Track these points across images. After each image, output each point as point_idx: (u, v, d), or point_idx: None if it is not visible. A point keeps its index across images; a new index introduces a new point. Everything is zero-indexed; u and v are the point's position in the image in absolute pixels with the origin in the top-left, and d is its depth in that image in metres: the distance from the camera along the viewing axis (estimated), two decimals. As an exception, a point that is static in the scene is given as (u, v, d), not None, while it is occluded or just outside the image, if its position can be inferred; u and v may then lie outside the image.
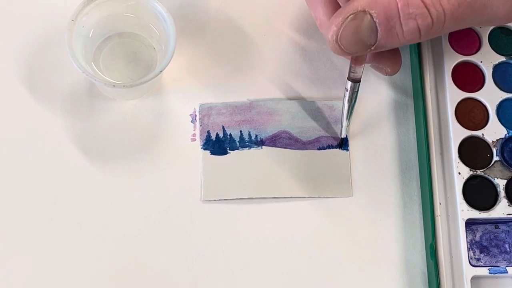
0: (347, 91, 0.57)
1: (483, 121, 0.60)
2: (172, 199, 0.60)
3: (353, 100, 0.58)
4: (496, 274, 0.57)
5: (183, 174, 0.60)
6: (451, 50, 0.61)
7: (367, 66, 0.61)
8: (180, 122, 0.62)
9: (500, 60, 0.61)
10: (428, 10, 0.50)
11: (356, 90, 0.57)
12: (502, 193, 0.58)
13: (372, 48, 0.52)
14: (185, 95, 0.62)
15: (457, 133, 0.59)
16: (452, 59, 0.61)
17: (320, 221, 0.60)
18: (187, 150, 0.61)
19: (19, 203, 0.59)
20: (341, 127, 0.60)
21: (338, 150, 0.62)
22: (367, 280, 0.59)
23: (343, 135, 0.61)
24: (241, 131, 0.62)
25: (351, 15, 0.51)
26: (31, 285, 0.57)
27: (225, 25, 0.65)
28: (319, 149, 0.62)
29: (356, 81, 0.57)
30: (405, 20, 0.50)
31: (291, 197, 0.60)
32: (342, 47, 0.52)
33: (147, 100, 0.62)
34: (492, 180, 0.58)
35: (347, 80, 0.57)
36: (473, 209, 0.57)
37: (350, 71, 0.56)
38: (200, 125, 0.62)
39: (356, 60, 0.56)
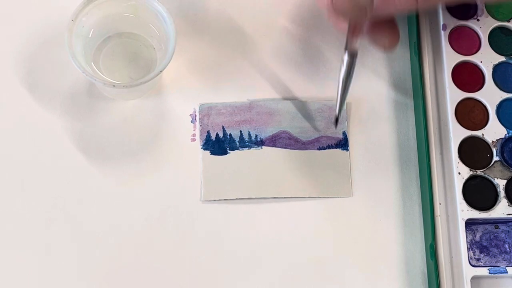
0: (343, 65, 0.56)
1: (483, 121, 0.60)
2: (172, 199, 0.60)
3: (350, 75, 0.57)
4: (496, 274, 0.57)
5: (183, 174, 0.60)
6: (451, 50, 0.61)
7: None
8: (180, 122, 0.62)
9: (500, 60, 0.61)
10: None
11: (353, 65, 0.56)
12: (502, 193, 0.58)
13: (368, 13, 0.51)
14: (185, 95, 0.62)
15: (457, 133, 0.59)
16: (452, 59, 0.61)
17: (320, 221, 0.60)
18: (187, 150, 0.61)
19: (19, 203, 0.59)
20: (336, 105, 0.59)
21: (338, 150, 0.62)
22: (367, 280, 0.59)
23: (337, 114, 0.59)
24: (241, 131, 0.62)
25: None
26: (31, 285, 0.57)
27: (225, 25, 0.65)
28: (319, 149, 0.62)
29: (353, 54, 0.56)
30: None
31: (291, 197, 0.60)
32: (338, 11, 0.51)
33: (147, 100, 0.62)
34: (492, 180, 0.58)
35: (344, 52, 0.56)
36: (473, 209, 0.57)
37: (347, 44, 0.56)
38: (200, 125, 0.62)
39: (354, 31, 0.55)
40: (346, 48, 0.56)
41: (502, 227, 0.58)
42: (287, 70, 0.64)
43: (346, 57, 0.56)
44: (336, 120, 0.60)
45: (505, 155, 0.59)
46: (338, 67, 0.64)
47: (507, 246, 0.58)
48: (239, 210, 0.60)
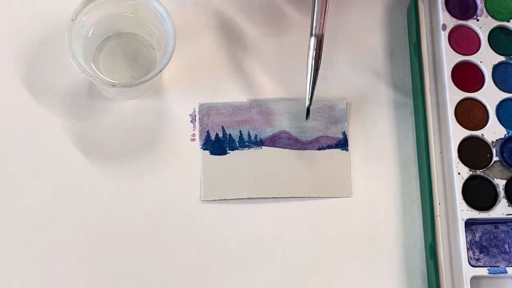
0: (310, 51, 0.56)
1: (483, 121, 0.60)
2: (172, 199, 0.60)
3: (319, 62, 0.56)
4: (496, 274, 0.57)
5: (183, 174, 0.60)
6: (451, 50, 0.61)
7: None
8: (180, 122, 0.62)
9: (499, 60, 0.61)
10: None
11: (321, 50, 0.55)
12: (501, 193, 0.58)
13: None
14: (185, 95, 0.62)
15: (456, 133, 0.59)
16: (452, 59, 0.61)
17: (320, 221, 0.60)
18: (186, 150, 0.61)
19: (19, 203, 0.59)
20: (307, 94, 0.57)
21: (338, 150, 0.62)
22: (367, 280, 0.59)
23: (308, 104, 0.57)
24: (240, 131, 0.62)
25: None
26: (31, 285, 0.58)
27: (225, 25, 0.65)
28: (319, 149, 0.62)
29: (320, 38, 0.55)
30: None
31: (291, 197, 0.60)
32: None
33: (147, 100, 0.62)
34: (492, 180, 0.58)
35: (310, 37, 0.55)
36: (472, 209, 0.57)
37: (312, 27, 0.55)
38: (200, 125, 0.62)
39: (320, 13, 0.54)
40: (312, 33, 0.55)
41: (502, 227, 0.58)
42: (287, 70, 0.64)
43: (312, 42, 0.56)
44: (308, 111, 0.58)
45: (504, 155, 0.59)
46: (338, 67, 0.64)
47: (506, 246, 0.58)
48: (239, 210, 0.60)
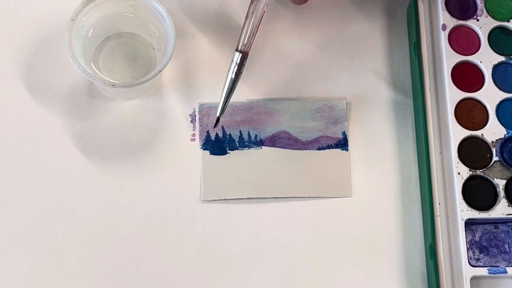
0: (232, 65, 0.57)
1: (483, 121, 0.60)
2: (172, 199, 0.60)
3: (239, 77, 0.57)
4: (496, 274, 0.57)
5: (183, 174, 0.60)
6: (451, 50, 0.61)
7: None
8: (180, 122, 0.62)
9: (499, 60, 0.61)
10: None
11: (243, 66, 0.57)
12: (501, 193, 0.58)
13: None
14: (185, 95, 0.62)
15: (456, 133, 0.59)
16: (452, 59, 0.61)
17: (320, 221, 0.60)
18: (186, 150, 0.61)
19: (19, 203, 0.59)
20: (220, 104, 0.58)
21: (338, 150, 0.62)
22: (367, 280, 0.59)
23: (218, 114, 0.58)
24: (240, 131, 0.62)
25: None
26: (31, 285, 0.58)
27: (225, 25, 0.65)
28: (319, 149, 0.62)
29: (244, 55, 0.57)
30: None
31: (291, 197, 0.60)
32: None
33: (147, 100, 0.62)
34: (492, 180, 0.58)
35: (235, 52, 0.57)
36: (472, 209, 0.57)
37: (239, 43, 0.57)
38: (200, 125, 0.62)
39: (248, 31, 0.57)
40: (238, 48, 0.57)
41: (502, 227, 0.58)
42: (287, 70, 0.64)
43: (236, 57, 0.57)
44: (217, 120, 0.59)
45: (504, 155, 0.59)
46: (338, 67, 0.64)
47: (506, 246, 0.58)
48: (239, 210, 0.60)
